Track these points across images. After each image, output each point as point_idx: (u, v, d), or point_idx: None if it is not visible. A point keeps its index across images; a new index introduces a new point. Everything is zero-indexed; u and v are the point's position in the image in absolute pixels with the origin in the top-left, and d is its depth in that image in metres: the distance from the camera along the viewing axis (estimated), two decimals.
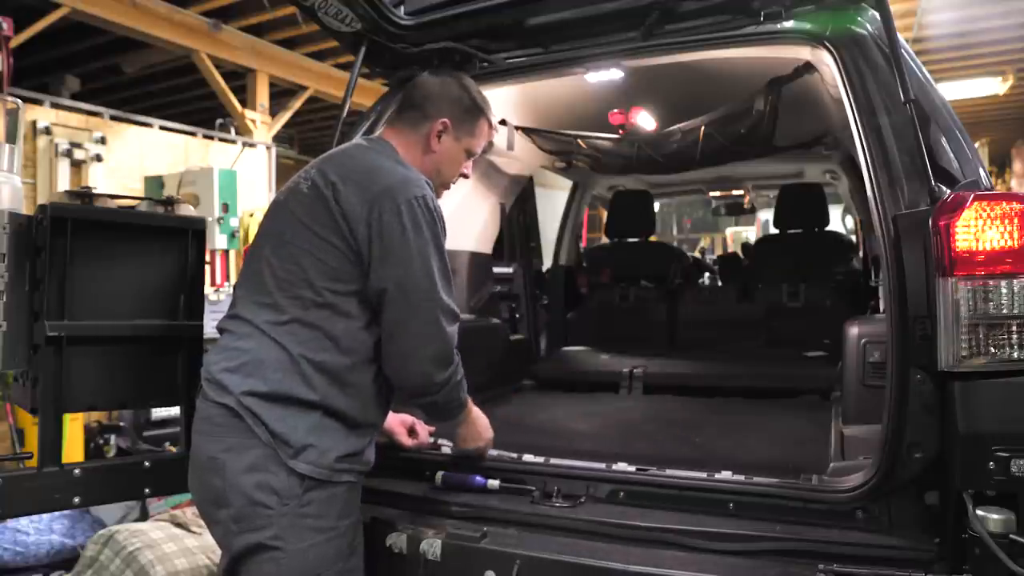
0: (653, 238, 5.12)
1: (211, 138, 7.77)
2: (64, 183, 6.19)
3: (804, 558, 1.58)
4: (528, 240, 4.15)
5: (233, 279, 6.40)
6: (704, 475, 1.84)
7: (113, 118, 6.86)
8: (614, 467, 1.94)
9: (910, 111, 1.65)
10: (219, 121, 8.20)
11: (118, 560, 2.59)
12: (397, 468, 2.11)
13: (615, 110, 3.10)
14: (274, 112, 9.22)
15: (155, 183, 6.80)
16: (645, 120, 3.21)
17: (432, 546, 1.78)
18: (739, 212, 6.50)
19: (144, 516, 3.59)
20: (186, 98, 10.74)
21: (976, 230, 1.48)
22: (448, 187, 1.95)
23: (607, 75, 2.41)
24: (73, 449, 4.40)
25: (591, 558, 1.66)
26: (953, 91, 9.78)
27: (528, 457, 2.07)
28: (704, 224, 15.43)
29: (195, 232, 2.16)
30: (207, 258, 5.81)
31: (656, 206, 5.05)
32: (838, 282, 4.01)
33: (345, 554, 1.66)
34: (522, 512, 1.87)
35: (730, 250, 10.34)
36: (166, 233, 2.12)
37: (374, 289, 1.65)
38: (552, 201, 5.18)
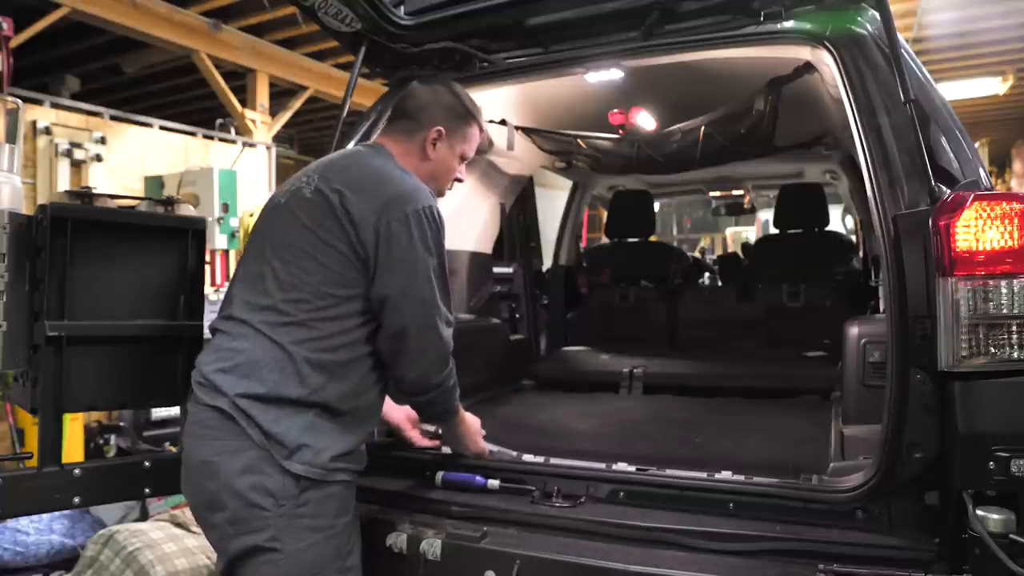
0: (653, 238, 5.11)
1: (211, 138, 7.77)
2: (64, 183, 6.20)
3: (804, 558, 1.58)
4: (528, 240, 4.15)
5: None
6: (704, 475, 1.84)
7: (113, 118, 6.86)
8: (614, 467, 1.94)
9: (910, 111, 1.65)
10: (219, 121, 8.20)
11: (118, 560, 2.59)
12: (397, 468, 2.12)
13: (615, 110, 3.10)
14: (274, 112, 9.22)
15: (155, 183, 6.80)
16: (645, 120, 3.21)
17: (432, 546, 1.78)
18: (739, 212, 6.50)
19: (144, 516, 3.59)
20: (186, 98, 10.74)
21: (976, 230, 1.48)
22: (443, 193, 1.98)
23: (607, 75, 2.41)
24: (73, 449, 4.39)
25: (591, 558, 1.66)
26: (953, 91, 9.78)
27: (528, 457, 2.07)
28: (704, 224, 15.43)
29: (195, 232, 2.16)
30: (207, 258, 5.81)
31: (656, 206, 5.05)
32: (838, 282, 4.01)
33: (344, 553, 1.66)
34: (522, 512, 1.86)
35: (730, 250, 10.34)
36: (166, 233, 2.12)
37: (378, 294, 1.67)
38: (552, 201, 5.18)
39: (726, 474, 1.83)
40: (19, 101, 3.99)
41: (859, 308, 3.57)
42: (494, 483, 1.97)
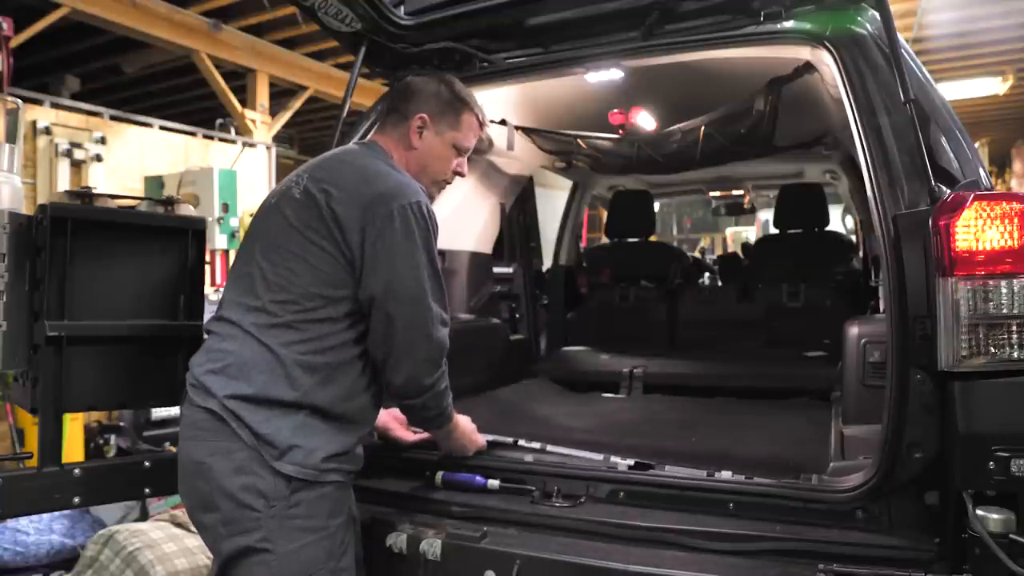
0: (653, 238, 5.11)
1: (211, 138, 7.77)
2: (64, 183, 6.20)
3: (804, 558, 1.58)
4: (528, 240, 4.15)
5: None
6: (704, 475, 1.84)
7: (113, 118, 6.86)
8: (614, 467, 1.94)
9: (910, 111, 1.65)
10: (219, 121, 8.20)
11: (118, 560, 2.59)
12: (397, 468, 2.12)
13: (615, 110, 3.10)
14: (274, 112, 9.22)
15: (155, 183, 6.80)
16: (645, 120, 3.21)
17: (432, 546, 1.78)
18: (739, 212, 6.49)
19: (144, 516, 3.59)
20: (186, 98, 10.74)
21: (976, 230, 1.48)
22: (441, 186, 1.95)
23: (607, 75, 2.41)
24: (73, 449, 4.39)
25: (591, 558, 1.66)
26: (953, 91, 9.78)
27: (528, 457, 2.07)
28: (704, 224, 15.43)
29: (195, 232, 2.16)
30: (207, 258, 5.81)
31: (656, 206, 5.05)
32: (838, 282, 4.01)
33: (337, 554, 1.65)
34: (522, 512, 1.86)
35: (730, 250, 10.34)
36: (166, 233, 2.12)
37: (365, 294, 1.65)
38: (552, 201, 5.18)
39: (726, 474, 1.83)
40: (19, 101, 3.99)
41: (859, 308, 3.57)
42: (494, 483, 1.97)
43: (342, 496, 1.69)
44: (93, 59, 8.96)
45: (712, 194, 6.07)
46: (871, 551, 1.55)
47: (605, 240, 4.96)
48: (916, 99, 1.67)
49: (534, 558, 1.69)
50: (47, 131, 6.26)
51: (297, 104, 9.52)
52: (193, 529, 2.73)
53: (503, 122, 3.13)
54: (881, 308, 2.63)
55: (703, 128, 2.96)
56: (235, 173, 6.81)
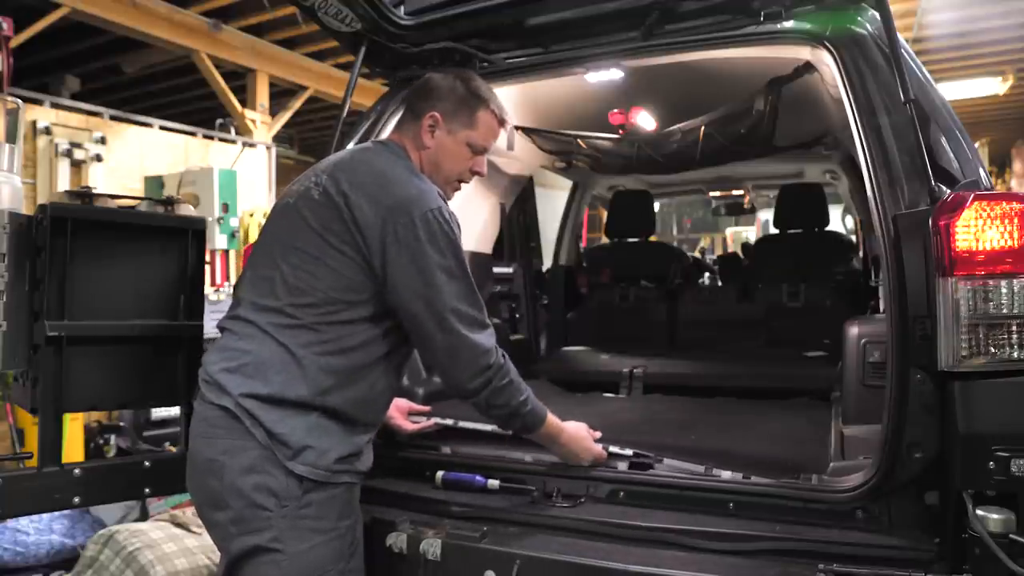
0: (653, 238, 5.11)
1: (211, 138, 7.77)
2: (64, 183, 6.20)
3: (804, 558, 1.58)
4: (528, 240, 4.15)
5: (233, 279, 6.41)
6: (704, 475, 1.84)
7: (113, 118, 6.86)
8: (614, 467, 1.94)
9: (910, 111, 1.65)
10: (219, 121, 8.20)
11: (118, 560, 2.59)
12: (397, 468, 2.12)
13: (615, 110, 3.10)
14: (274, 112, 9.23)
15: (155, 183, 6.80)
16: (645, 120, 3.21)
17: (432, 546, 1.78)
18: (739, 212, 6.50)
19: (144, 516, 3.59)
20: (186, 98, 10.74)
21: (976, 230, 1.48)
22: (456, 185, 1.92)
23: (607, 75, 2.41)
24: (73, 449, 4.40)
25: (591, 558, 1.66)
26: (953, 91, 9.78)
27: (528, 457, 2.07)
28: (704, 224, 15.44)
29: (195, 232, 2.16)
30: (207, 258, 5.81)
31: (656, 206, 5.05)
32: (838, 282, 4.01)
33: (346, 555, 1.65)
34: (522, 512, 1.87)
35: (730, 250, 10.35)
36: (166, 233, 2.12)
37: (394, 303, 1.64)
38: (552, 201, 5.18)
39: (726, 474, 1.83)
40: (19, 101, 3.99)
41: (859, 308, 3.57)
42: (494, 483, 1.97)
43: (351, 497, 1.69)
44: (93, 59, 8.96)
45: (712, 194, 6.07)
46: (871, 551, 1.56)
47: (605, 240, 4.96)
48: (916, 99, 1.67)
49: (534, 558, 1.69)
50: (47, 131, 6.26)
51: (297, 104, 9.52)
52: (194, 529, 2.73)
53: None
54: (881, 308, 2.63)
55: (703, 128, 2.96)
56: (235, 173, 6.81)
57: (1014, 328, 1.46)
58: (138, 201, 2.20)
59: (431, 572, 1.78)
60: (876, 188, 1.68)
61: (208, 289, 5.71)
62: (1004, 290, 1.46)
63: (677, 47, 2.15)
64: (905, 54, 1.77)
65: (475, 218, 3.46)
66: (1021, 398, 1.45)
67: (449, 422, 2.12)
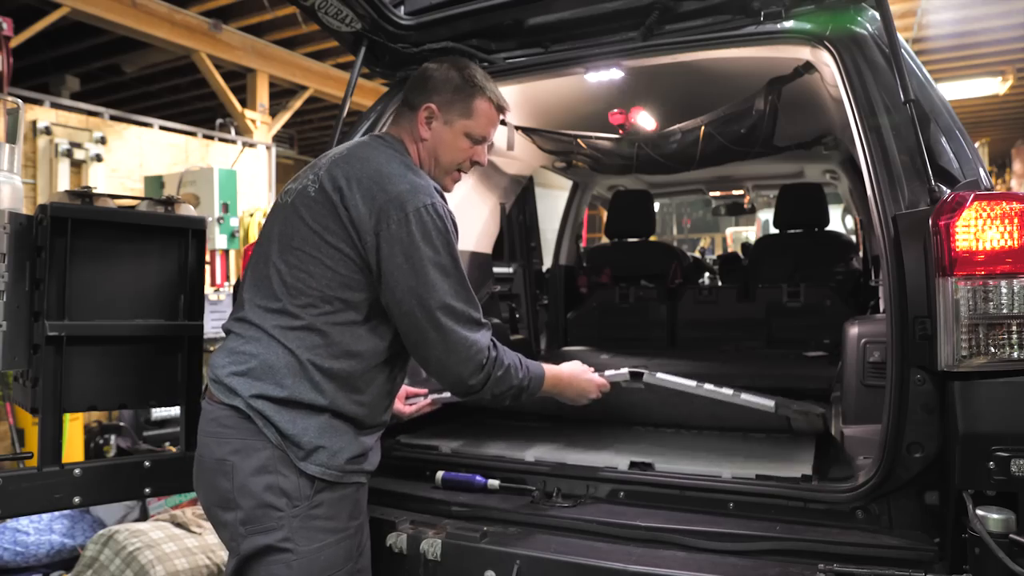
0: (653, 238, 5.12)
1: (211, 138, 7.77)
2: (64, 183, 6.19)
3: (804, 558, 1.58)
4: (528, 240, 4.15)
5: (233, 279, 6.41)
6: (704, 475, 1.84)
7: (113, 118, 6.86)
8: (614, 467, 1.94)
9: (910, 111, 1.65)
10: (219, 121, 8.21)
11: (118, 560, 2.59)
12: (397, 468, 2.12)
13: (615, 110, 3.09)
14: (274, 112, 9.23)
15: (155, 183, 6.80)
16: (645, 120, 3.21)
17: (432, 546, 1.78)
18: (739, 212, 6.50)
19: (144, 516, 3.59)
20: (186, 98, 10.74)
21: (976, 230, 1.48)
22: (456, 176, 1.87)
23: (607, 75, 2.41)
24: (73, 449, 4.40)
25: (591, 558, 1.66)
26: (953, 91, 9.79)
27: (528, 457, 2.07)
28: (704, 224, 15.44)
29: (195, 232, 2.16)
30: (207, 258, 5.81)
31: (656, 206, 5.04)
32: (838, 282, 4.01)
33: (355, 555, 1.65)
34: (522, 512, 1.87)
35: (730, 250, 10.34)
36: (166, 233, 2.12)
37: (387, 300, 1.63)
38: (552, 201, 5.18)
39: (726, 474, 1.83)
40: (19, 101, 3.98)
41: (859, 308, 3.57)
42: (494, 483, 1.97)
43: (361, 497, 1.69)
44: (93, 59, 8.96)
45: (712, 194, 6.07)
46: (871, 551, 1.56)
47: (605, 240, 4.95)
48: (916, 99, 1.67)
49: (534, 558, 1.69)
50: (47, 131, 6.25)
51: (297, 104, 9.52)
52: (194, 529, 2.73)
53: (503, 122, 3.13)
54: (881, 308, 2.63)
55: (703, 128, 2.96)
56: (235, 173, 6.81)
57: (1014, 328, 1.46)
58: (138, 201, 2.20)
59: (431, 572, 1.78)
60: (876, 188, 1.68)
61: (208, 289, 5.71)
62: (1004, 290, 1.46)
63: (677, 47, 2.15)
64: (905, 54, 1.77)
65: (475, 218, 3.46)
66: (1021, 398, 1.45)
67: (446, 395, 2.08)
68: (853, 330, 2.16)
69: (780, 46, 2.07)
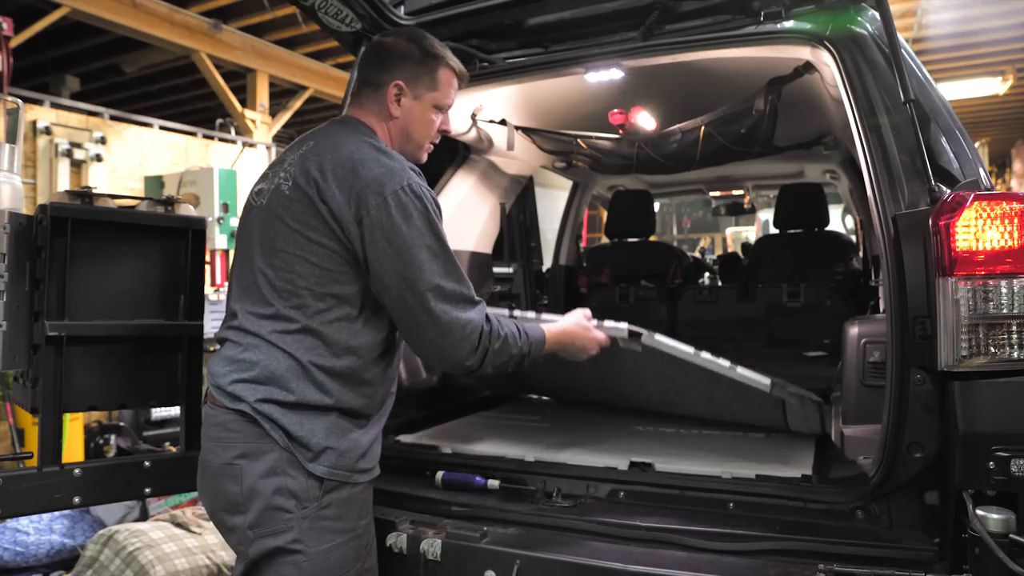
0: (653, 238, 5.12)
1: (211, 138, 7.77)
2: (64, 183, 6.20)
3: (804, 558, 1.58)
4: (528, 240, 4.15)
5: None
6: (704, 475, 1.84)
7: (113, 118, 6.86)
8: (614, 467, 1.94)
9: (910, 111, 1.65)
10: (219, 121, 8.21)
11: (118, 560, 2.59)
12: (397, 468, 2.12)
13: (615, 110, 3.09)
14: (274, 112, 9.23)
15: (155, 183, 6.80)
16: (645, 120, 3.21)
17: (432, 546, 1.78)
18: (739, 212, 6.50)
19: (144, 516, 3.59)
20: (186, 98, 10.75)
21: (976, 230, 1.48)
22: (428, 148, 1.84)
23: (607, 75, 2.41)
24: (73, 449, 4.40)
25: (591, 558, 1.66)
26: (953, 91, 9.79)
27: (528, 457, 2.08)
28: (704, 224, 15.44)
29: (195, 232, 2.16)
30: (207, 258, 5.81)
31: (656, 206, 5.04)
32: (838, 282, 4.01)
33: (363, 555, 1.66)
34: (522, 512, 1.87)
35: (730, 250, 10.34)
36: (166, 233, 2.12)
37: (376, 288, 1.61)
38: (552, 201, 5.18)
39: (726, 474, 1.83)
40: (19, 101, 3.98)
41: (859, 308, 3.57)
42: (494, 483, 1.97)
43: (368, 497, 1.69)
44: (93, 59, 8.96)
45: (712, 194, 6.06)
46: (871, 551, 1.55)
47: (605, 240, 4.95)
48: (916, 99, 1.67)
49: (534, 558, 1.69)
50: (47, 131, 6.26)
51: (297, 104, 9.53)
52: (194, 529, 2.73)
53: (503, 122, 3.13)
54: (881, 308, 2.63)
55: (703, 128, 2.96)
56: (235, 173, 6.81)
57: (1014, 328, 1.46)
58: (138, 201, 2.20)
59: (431, 572, 1.78)
60: (876, 188, 1.68)
61: (208, 289, 5.71)
62: (1004, 290, 1.46)
63: (677, 47, 2.15)
64: (905, 54, 1.77)
65: (475, 218, 3.46)
66: (1021, 398, 1.45)
67: None
68: (853, 330, 2.16)
69: (780, 46, 2.07)
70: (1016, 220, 1.47)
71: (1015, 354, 1.46)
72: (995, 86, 10.28)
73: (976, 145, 2.12)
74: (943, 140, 1.78)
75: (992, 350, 1.47)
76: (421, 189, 1.62)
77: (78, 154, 6.38)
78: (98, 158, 6.52)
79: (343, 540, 1.59)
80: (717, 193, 6.00)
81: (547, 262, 4.62)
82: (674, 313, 4.24)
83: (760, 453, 2.12)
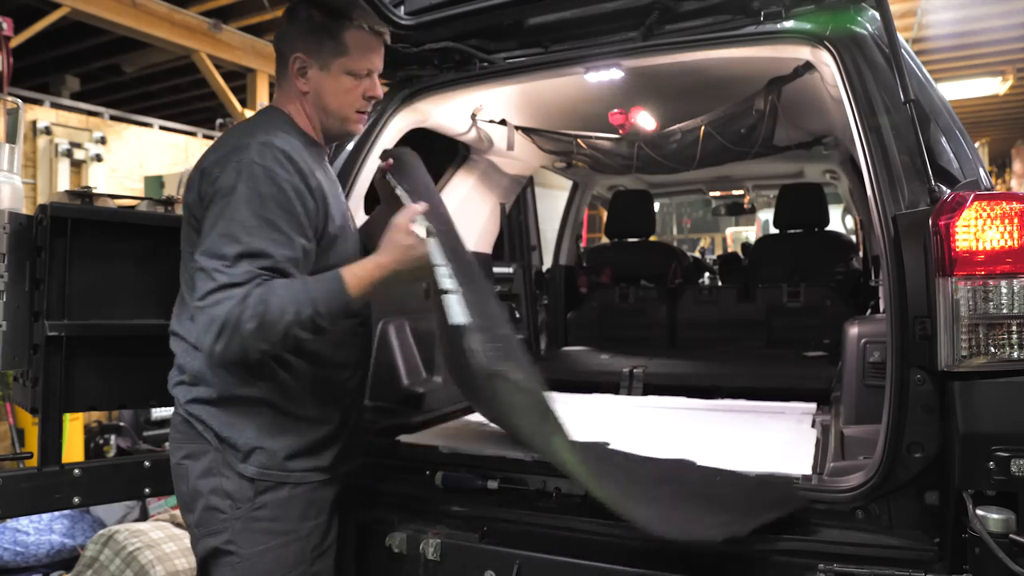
0: (653, 238, 5.12)
1: (211, 138, 7.78)
2: (64, 183, 6.21)
3: (804, 558, 1.58)
4: (528, 240, 4.15)
5: None
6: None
7: (113, 118, 6.87)
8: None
9: (910, 111, 1.65)
10: (219, 121, 8.21)
11: (118, 560, 2.59)
12: (397, 468, 2.12)
13: (615, 110, 3.09)
14: None
15: (155, 183, 6.81)
16: (645, 120, 3.21)
17: (432, 546, 1.78)
18: (739, 212, 6.50)
19: (144, 516, 3.59)
20: (186, 98, 10.75)
21: (976, 230, 1.48)
22: (358, 117, 1.70)
23: (607, 75, 2.41)
24: (73, 449, 4.40)
25: (591, 558, 1.66)
26: (953, 91, 9.78)
27: (528, 457, 2.07)
28: (704, 224, 15.43)
29: None
30: None
31: (656, 206, 5.04)
32: (838, 282, 4.01)
33: (309, 558, 1.61)
34: (522, 512, 1.86)
35: (730, 250, 10.34)
36: (166, 233, 2.11)
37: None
38: (552, 201, 5.18)
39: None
40: (19, 101, 3.98)
41: (859, 308, 3.57)
42: (494, 483, 1.97)
43: (318, 498, 1.63)
44: (93, 59, 8.96)
45: (712, 194, 6.06)
46: (871, 551, 1.56)
47: (605, 240, 4.95)
48: (916, 99, 1.67)
49: (534, 558, 1.69)
50: (47, 131, 6.27)
51: None
52: None
53: (503, 122, 3.13)
54: (881, 308, 2.63)
55: (703, 128, 2.96)
56: None
57: (1014, 328, 1.46)
58: (138, 201, 2.21)
59: (431, 572, 1.78)
60: (876, 188, 1.68)
61: None
62: (1004, 290, 1.46)
63: (677, 47, 2.15)
64: (905, 54, 1.77)
65: (475, 218, 3.46)
66: (1021, 398, 1.45)
67: None
68: (853, 330, 2.16)
69: (780, 46, 2.07)
70: (1016, 220, 1.47)
71: (1015, 354, 1.46)
72: (995, 86, 10.28)
73: (976, 145, 2.12)
74: (943, 140, 1.78)
75: (992, 350, 1.47)
76: (267, 168, 1.46)
77: (78, 154, 6.39)
78: (98, 158, 6.53)
79: (280, 542, 1.56)
80: (717, 193, 6.00)
81: (547, 262, 4.62)
82: (674, 313, 4.24)
83: (760, 453, 2.12)
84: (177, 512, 2.89)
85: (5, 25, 5.12)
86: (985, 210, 1.48)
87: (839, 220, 6.42)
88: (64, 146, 6.26)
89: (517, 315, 3.89)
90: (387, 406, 2.56)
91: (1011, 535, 1.39)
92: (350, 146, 2.36)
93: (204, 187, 1.52)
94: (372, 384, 2.35)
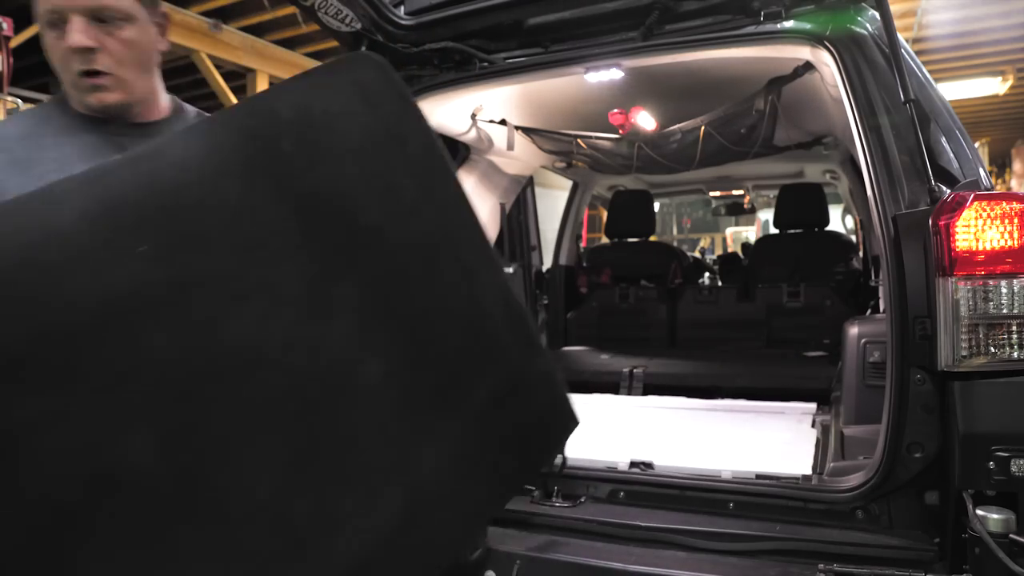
0: (653, 238, 5.12)
1: None
2: None
3: (804, 558, 1.58)
4: (528, 240, 4.15)
5: None
6: (704, 474, 1.84)
7: None
8: (614, 467, 1.94)
9: (910, 111, 1.65)
10: None
11: None
12: None
13: (615, 110, 3.09)
14: None
15: None
16: (645, 120, 3.21)
17: None
18: (739, 212, 6.50)
19: None
20: (186, 98, 10.66)
21: (976, 230, 1.48)
22: (84, 83, 1.36)
23: (607, 75, 2.41)
24: None
25: (591, 558, 1.66)
26: (953, 91, 9.78)
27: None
28: (704, 224, 15.43)
29: None
30: None
31: (656, 206, 5.04)
32: (838, 282, 4.01)
33: None
34: (522, 512, 1.86)
35: (730, 250, 10.34)
36: None
37: None
38: (552, 201, 5.18)
39: (726, 474, 1.84)
40: (19, 101, 3.99)
41: (859, 308, 3.57)
42: None
43: None
44: None
45: (712, 194, 6.06)
46: (871, 551, 1.56)
47: (605, 240, 4.95)
48: (916, 99, 1.67)
49: (534, 558, 1.69)
50: None
51: None
52: None
53: (503, 122, 3.13)
54: (881, 308, 2.63)
55: (703, 128, 2.96)
56: None
57: (1014, 328, 1.46)
58: None
59: None
60: (876, 188, 1.68)
61: None
62: (1004, 290, 1.47)
63: (677, 47, 2.15)
64: (905, 54, 1.77)
65: None
66: (1021, 398, 1.46)
67: None
68: (853, 330, 2.16)
69: (780, 46, 2.07)
70: (1016, 220, 1.47)
71: (1015, 354, 1.46)
72: (995, 86, 10.27)
73: (976, 145, 2.12)
74: (943, 140, 1.78)
75: (992, 350, 1.47)
76: None
77: None
78: None
79: None
80: (717, 193, 6.00)
81: (547, 262, 4.62)
82: (674, 313, 4.24)
83: (760, 453, 2.12)
84: None
85: (5, 25, 5.13)
86: (985, 210, 1.48)
87: (839, 220, 6.42)
88: None
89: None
90: None
91: (1011, 535, 1.39)
92: None
93: None
94: None
